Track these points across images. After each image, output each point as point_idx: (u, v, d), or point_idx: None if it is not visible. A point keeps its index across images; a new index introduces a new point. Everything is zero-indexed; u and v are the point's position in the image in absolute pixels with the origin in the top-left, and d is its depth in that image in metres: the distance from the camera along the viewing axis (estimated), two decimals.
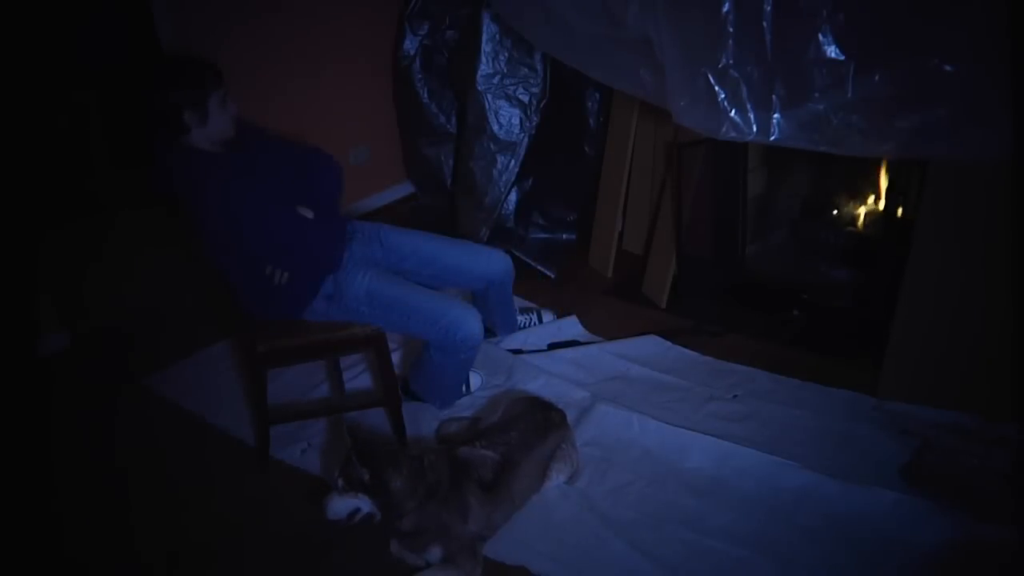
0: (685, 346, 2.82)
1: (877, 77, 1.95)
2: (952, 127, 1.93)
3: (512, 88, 3.17)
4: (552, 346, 2.89)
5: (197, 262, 2.75)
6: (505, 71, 3.15)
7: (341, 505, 1.89)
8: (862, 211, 3.01)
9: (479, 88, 3.16)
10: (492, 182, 3.28)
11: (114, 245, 3.72)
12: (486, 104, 3.17)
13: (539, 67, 3.15)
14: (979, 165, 2.12)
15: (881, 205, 2.92)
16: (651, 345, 2.83)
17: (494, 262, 2.61)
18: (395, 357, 2.62)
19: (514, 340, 2.89)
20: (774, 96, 2.06)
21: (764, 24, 2.02)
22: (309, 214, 2.19)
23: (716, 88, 2.10)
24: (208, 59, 2.11)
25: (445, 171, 3.80)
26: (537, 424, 2.17)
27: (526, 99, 3.18)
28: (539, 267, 3.37)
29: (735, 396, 2.55)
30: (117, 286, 3.38)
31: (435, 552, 1.92)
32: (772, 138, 2.10)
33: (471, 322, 2.30)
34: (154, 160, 2.12)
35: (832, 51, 1.96)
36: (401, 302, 2.28)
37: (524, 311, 2.98)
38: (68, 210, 4.00)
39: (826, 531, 2.01)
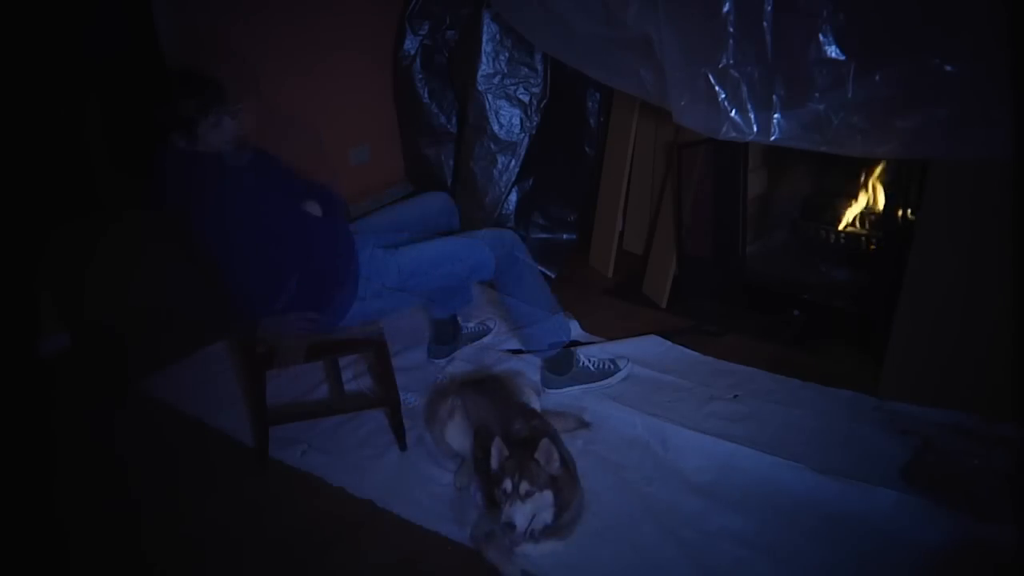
0: (685, 346, 2.82)
1: (878, 77, 1.94)
2: (952, 127, 1.93)
3: (512, 88, 3.16)
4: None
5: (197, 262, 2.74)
6: (506, 71, 3.15)
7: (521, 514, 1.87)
8: (862, 211, 3.01)
9: (479, 88, 3.16)
10: (492, 182, 3.27)
11: (114, 245, 3.71)
12: (486, 104, 3.17)
13: (539, 67, 3.15)
14: (979, 165, 2.11)
15: (881, 205, 2.92)
16: (651, 345, 2.83)
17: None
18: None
19: (514, 340, 2.88)
20: (774, 96, 2.06)
21: (764, 24, 2.01)
22: (317, 210, 2.20)
23: (716, 88, 2.10)
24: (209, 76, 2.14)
25: (445, 171, 3.79)
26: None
27: (526, 99, 3.18)
28: (539, 267, 3.36)
29: (736, 396, 2.54)
30: (118, 286, 3.38)
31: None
32: (772, 138, 2.10)
33: (488, 256, 2.39)
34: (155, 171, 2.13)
35: (833, 51, 1.96)
36: (435, 254, 2.34)
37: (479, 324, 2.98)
38: (68, 209, 4.00)
39: (826, 531, 2.01)
